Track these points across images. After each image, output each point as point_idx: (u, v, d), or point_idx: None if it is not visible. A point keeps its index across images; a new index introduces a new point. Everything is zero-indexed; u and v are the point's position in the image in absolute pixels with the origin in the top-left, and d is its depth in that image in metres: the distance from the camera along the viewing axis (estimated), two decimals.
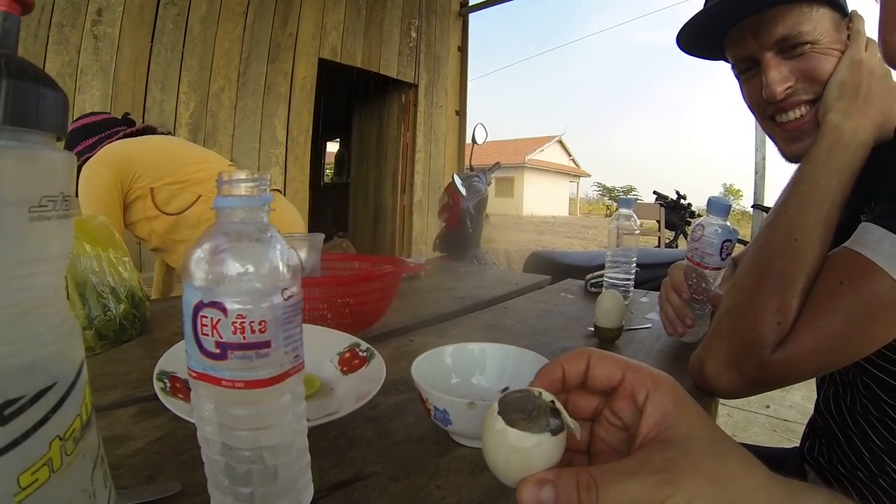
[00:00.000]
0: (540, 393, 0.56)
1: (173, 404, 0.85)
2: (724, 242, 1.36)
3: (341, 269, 1.77)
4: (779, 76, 1.18)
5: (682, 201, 8.74)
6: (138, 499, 0.66)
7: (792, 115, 1.21)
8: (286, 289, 0.56)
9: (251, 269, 0.54)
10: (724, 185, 65.53)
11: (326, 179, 14.51)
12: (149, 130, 3.12)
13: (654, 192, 9.42)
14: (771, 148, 1.33)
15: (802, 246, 1.07)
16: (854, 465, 1.24)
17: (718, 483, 0.50)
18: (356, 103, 10.48)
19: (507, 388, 0.85)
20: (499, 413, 0.54)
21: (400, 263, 1.61)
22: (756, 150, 7.21)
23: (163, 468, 0.80)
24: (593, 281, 2.14)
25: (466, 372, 1.02)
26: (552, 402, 0.56)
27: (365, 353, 1.09)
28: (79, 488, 0.47)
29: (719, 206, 1.39)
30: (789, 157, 1.27)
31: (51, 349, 0.44)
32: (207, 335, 0.54)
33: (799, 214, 1.09)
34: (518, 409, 0.56)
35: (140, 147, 2.85)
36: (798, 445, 1.53)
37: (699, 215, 8.26)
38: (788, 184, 1.15)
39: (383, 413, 0.99)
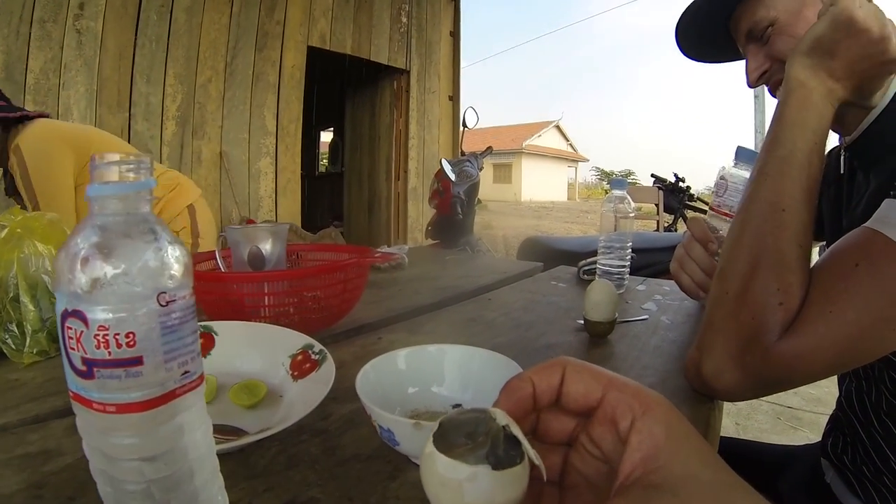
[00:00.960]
0: (489, 411, 0.46)
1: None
2: None
3: (309, 261, 1.69)
4: (753, 64, 1.24)
5: (680, 184, 8.67)
6: None
7: (778, 94, 1.14)
8: (164, 292, 0.46)
9: (118, 270, 0.44)
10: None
11: (321, 169, 14.53)
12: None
13: (652, 175, 9.36)
14: (770, 106, 1.31)
15: (791, 216, 0.98)
16: (879, 469, 1.16)
17: None
18: (348, 91, 10.46)
19: (458, 405, 0.74)
20: (435, 434, 0.45)
21: (368, 253, 1.52)
22: (756, 131, 7.17)
23: (86, 487, 0.72)
24: (586, 268, 2.04)
25: (425, 379, 0.90)
26: (506, 426, 0.45)
27: (317, 356, 0.99)
28: None
29: (748, 154, 1.33)
30: None
31: None
32: (74, 349, 0.45)
33: (783, 182, 0.99)
34: (463, 432, 0.45)
35: (91, 131, 2.82)
36: (810, 443, 1.48)
37: (698, 198, 8.22)
38: (763, 149, 1.05)
39: (334, 425, 0.89)
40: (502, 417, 0.45)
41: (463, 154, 6.37)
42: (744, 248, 1.01)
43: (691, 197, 8.50)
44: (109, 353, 0.44)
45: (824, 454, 1.35)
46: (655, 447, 0.44)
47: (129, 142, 5.62)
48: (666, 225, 8.58)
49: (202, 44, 6.30)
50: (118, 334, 0.43)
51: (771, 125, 1.06)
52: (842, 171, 1.27)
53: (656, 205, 8.60)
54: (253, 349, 1.06)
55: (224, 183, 6.55)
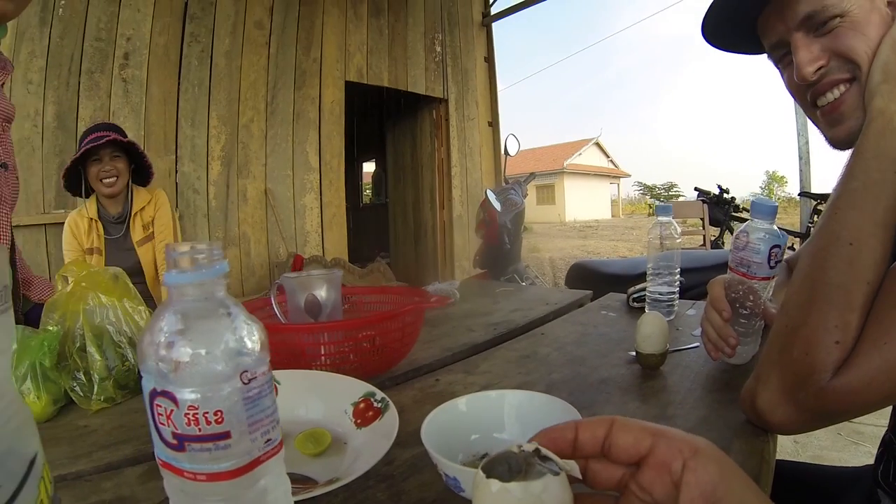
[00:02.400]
0: (520, 446, 0.51)
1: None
2: (771, 249, 1.23)
3: (365, 304, 1.73)
4: (808, 56, 1.09)
5: (724, 195, 8.60)
6: None
7: (830, 96, 1.11)
8: (246, 371, 0.49)
9: (203, 353, 0.48)
10: (767, 172, 64.61)
11: (365, 200, 14.60)
12: None
13: (696, 189, 9.29)
14: (814, 132, 1.24)
15: (859, 251, 0.94)
16: None
17: None
18: (388, 122, 10.51)
19: (485, 455, 0.76)
20: (487, 475, 0.48)
21: (424, 297, 1.54)
22: (799, 134, 7.07)
23: None
24: (636, 295, 2.05)
25: (486, 425, 0.92)
26: (536, 449, 0.50)
27: (379, 405, 1.03)
28: None
29: (764, 209, 1.26)
30: (833, 143, 1.16)
31: None
32: (164, 424, 0.48)
33: (853, 215, 0.96)
34: (504, 469, 0.50)
35: None
36: (868, 465, 1.42)
37: (744, 208, 8.13)
38: (838, 181, 1.01)
39: (398, 470, 0.92)
40: (528, 445, 0.50)
41: (507, 181, 6.38)
42: (807, 282, 0.99)
43: (737, 208, 8.43)
44: (199, 429, 0.47)
45: (875, 482, 1.30)
46: (712, 484, 0.47)
47: (176, 183, 5.81)
48: (712, 239, 8.51)
49: (243, 85, 6.39)
50: (207, 412, 0.47)
51: (849, 159, 1.01)
52: None
53: (701, 219, 8.54)
54: (315, 397, 1.09)
55: (270, 220, 6.61)
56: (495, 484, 0.47)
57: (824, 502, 1.45)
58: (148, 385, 0.49)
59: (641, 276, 1.99)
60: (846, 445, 3.77)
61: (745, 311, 1.30)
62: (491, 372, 1.44)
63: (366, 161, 14.26)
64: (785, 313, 1.02)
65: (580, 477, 0.50)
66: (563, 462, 0.49)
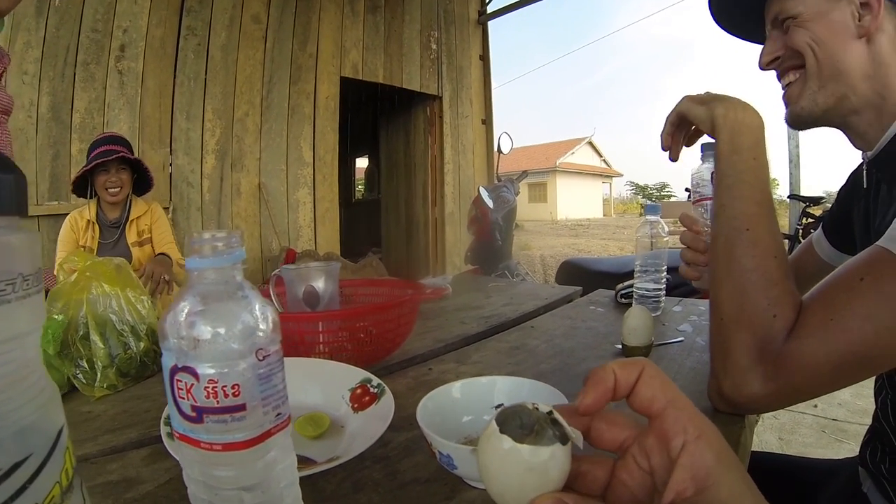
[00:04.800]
0: (535, 405, 0.53)
1: (177, 451, 0.84)
2: (713, 173, 1.31)
3: (361, 296, 1.76)
4: (769, 48, 1.28)
5: None
6: None
7: (784, 80, 1.27)
8: (261, 349, 0.54)
9: (222, 332, 0.52)
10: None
11: (358, 196, 14.56)
12: None
13: (687, 190, 9.30)
14: (804, 136, 1.36)
15: (756, 233, 1.07)
16: None
17: None
18: (382, 118, 10.50)
19: (500, 405, 0.80)
20: (501, 432, 0.51)
21: (419, 289, 1.58)
22: (789, 138, 7.07)
23: None
24: (623, 292, 2.10)
25: (478, 408, 0.97)
26: (550, 412, 0.53)
27: (376, 390, 1.07)
28: None
29: (711, 146, 1.38)
30: (788, 122, 1.32)
31: (25, 422, 0.44)
32: (184, 398, 0.53)
33: (739, 205, 1.10)
34: (517, 424, 0.52)
35: None
36: (848, 457, 1.51)
37: None
38: (716, 186, 1.16)
39: (393, 452, 0.97)
40: (543, 406, 0.53)
41: (499, 179, 6.40)
42: (724, 275, 1.09)
43: None
44: (217, 402, 0.52)
45: (862, 463, 1.37)
46: (706, 471, 0.49)
47: (170, 175, 5.84)
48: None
49: (238, 79, 6.40)
50: (225, 386, 0.51)
51: (716, 165, 1.18)
52: (864, 186, 1.31)
53: None
54: (314, 383, 1.13)
55: (263, 214, 6.63)
56: (507, 441, 0.50)
57: (805, 491, 1.50)
58: (168, 362, 0.53)
59: (630, 275, 2.03)
60: (830, 443, 3.83)
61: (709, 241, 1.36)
62: (482, 362, 1.48)
63: (359, 157, 14.22)
64: (716, 308, 1.11)
65: (581, 448, 0.52)
66: (570, 430, 0.51)
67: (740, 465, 0.51)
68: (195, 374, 0.51)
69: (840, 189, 1.51)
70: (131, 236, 3.75)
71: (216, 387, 0.51)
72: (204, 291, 0.54)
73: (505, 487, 0.50)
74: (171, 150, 5.83)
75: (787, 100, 1.27)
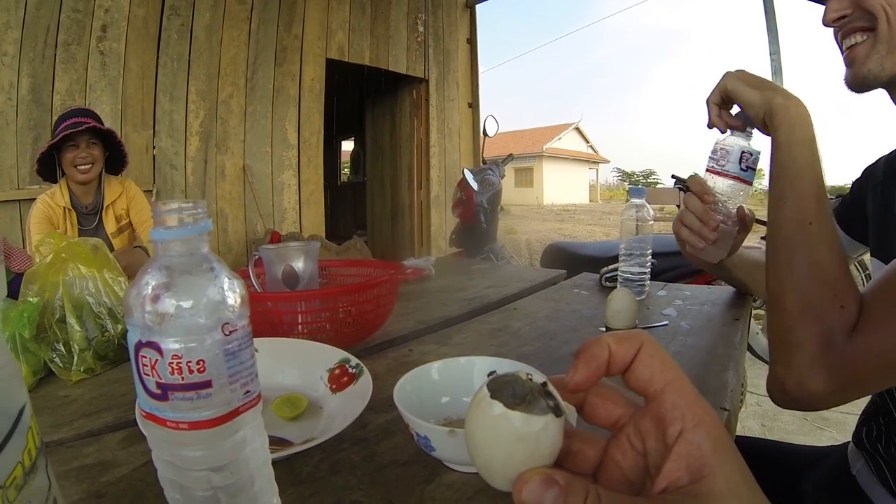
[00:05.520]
0: (529, 375, 0.50)
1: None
2: (743, 152, 1.33)
3: (341, 276, 1.75)
4: (836, 5, 1.20)
5: None
6: None
7: (850, 41, 1.20)
8: (228, 323, 0.52)
9: (186, 305, 0.50)
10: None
11: (343, 179, 14.58)
12: None
13: (673, 177, 9.31)
14: None
15: (820, 227, 1.06)
16: None
17: None
18: (368, 101, 10.51)
19: (493, 372, 0.77)
20: (492, 397, 0.48)
21: (399, 269, 1.57)
22: None
23: (143, 496, 0.79)
24: (608, 275, 2.09)
25: (456, 389, 0.96)
26: (544, 383, 0.49)
27: (354, 370, 1.06)
28: None
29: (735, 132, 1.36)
30: (848, 84, 1.25)
31: None
32: (148, 375, 0.51)
33: (801, 198, 1.08)
34: (509, 393, 0.49)
35: None
36: (836, 443, 1.50)
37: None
38: (773, 178, 1.15)
39: (372, 433, 0.95)
40: (538, 376, 0.50)
41: (485, 162, 6.40)
42: (786, 267, 1.08)
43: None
44: (182, 378, 0.50)
45: (857, 443, 1.37)
46: (702, 460, 0.46)
47: (153, 159, 5.81)
48: None
49: (223, 60, 6.38)
50: (190, 362, 0.49)
51: (771, 156, 1.16)
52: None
53: (677, 206, 8.59)
54: (292, 364, 1.12)
55: (248, 196, 6.61)
56: (498, 407, 0.47)
57: (792, 476, 1.50)
58: (133, 337, 0.51)
59: (615, 259, 2.02)
60: (812, 430, 3.87)
61: (719, 210, 1.36)
62: (463, 344, 1.47)
63: (344, 139, 14.24)
64: (778, 300, 1.09)
65: (574, 425, 0.51)
66: (564, 404, 0.48)
67: (738, 454, 0.49)
68: (159, 350, 0.49)
69: (854, 181, 1.49)
70: (109, 225, 3.50)
71: (180, 362, 0.49)
72: (169, 263, 0.52)
73: (491, 458, 0.47)
74: (154, 132, 5.80)
75: (851, 61, 1.22)
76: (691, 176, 1.41)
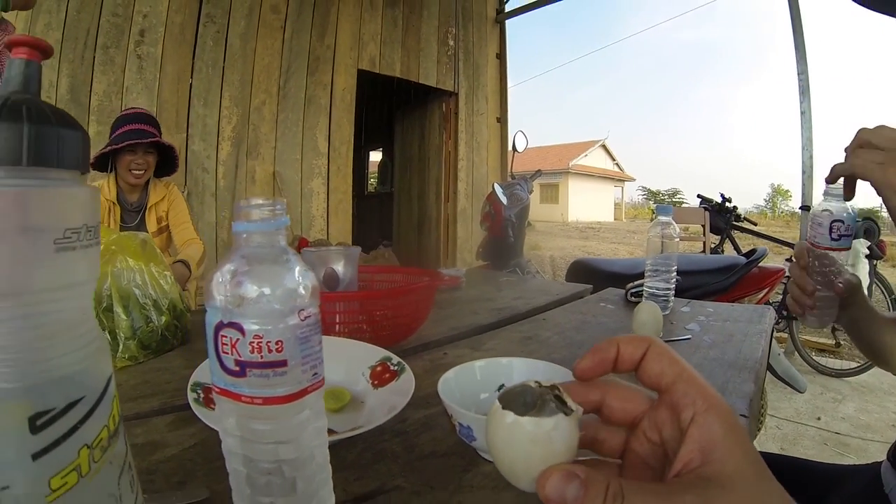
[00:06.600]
0: (537, 383, 0.55)
1: (205, 414, 0.89)
2: (832, 222, 1.34)
3: (379, 282, 1.79)
4: None
5: (727, 204, 8.62)
6: (167, 503, 0.68)
7: None
8: (303, 309, 0.57)
9: (268, 291, 0.55)
10: (773, 185, 64.48)
11: (370, 188, 14.61)
12: None
13: (699, 196, 9.30)
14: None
15: None
16: None
17: None
18: (397, 112, 10.54)
19: (502, 385, 0.82)
20: (504, 408, 0.52)
21: (435, 276, 1.62)
22: (804, 148, 7.03)
23: (193, 474, 0.84)
24: (633, 290, 2.13)
25: (495, 387, 1.01)
26: (552, 386, 0.54)
27: (396, 367, 1.11)
28: (106, 492, 0.50)
29: (831, 191, 1.37)
30: None
31: (79, 366, 0.48)
32: (227, 353, 0.55)
33: None
34: (520, 402, 0.54)
35: None
36: (864, 463, 1.50)
37: (745, 218, 8.15)
38: None
39: (411, 427, 1.00)
40: (547, 382, 0.54)
41: (513, 177, 6.44)
42: None
43: (738, 217, 8.47)
44: (261, 356, 0.55)
45: (893, 461, 1.35)
46: (713, 443, 0.49)
47: (185, 161, 5.88)
48: (712, 246, 8.54)
49: (256, 68, 6.46)
50: (269, 342, 0.54)
51: None
52: None
53: (702, 226, 8.58)
54: (335, 360, 1.16)
55: None
56: (509, 416, 0.51)
57: (817, 493, 1.49)
58: (214, 319, 0.56)
59: (640, 276, 2.07)
60: (832, 456, 3.81)
61: (819, 279, 1.37)
62: (495, 350, 1.52)
63: (372, 150, 14.28)
64: None
65: (581, 429, 0.53)
66: (573, 404, 0.52)
67: (749, 441, 0.51)
68: (241, 330, 0.54)
69: None
70: (151, 224, 3.59)
71: (261, 342, 0.54)
72: (250, 254, 0.57)
73: (512, 462, 0.52)
74: (187, 135, 5.88)
75: None
76: (797, 243, 1.45)
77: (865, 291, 1.44)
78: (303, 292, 0.58)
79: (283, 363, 0.56)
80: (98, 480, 0.49)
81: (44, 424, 0.44)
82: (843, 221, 1.33)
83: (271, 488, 0.59)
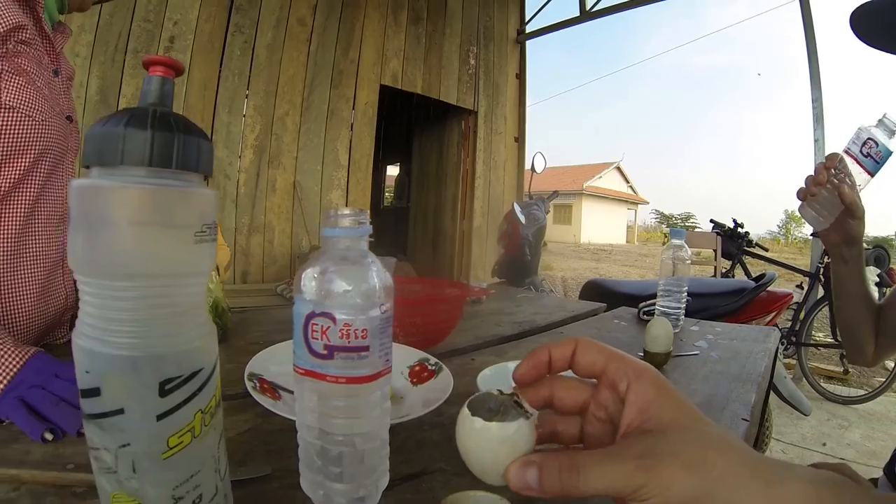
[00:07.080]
0: (500, 390, 0.66)
1: (263, 401, 0.99)
2: (868, 138, 1.44)
3: (406, 292, 1.86)
4: None
5: (739, 230, 8.65)
6: (234, 477, 0.76)
7: None
8: (382, 304, 0.68)
9: (355, 287, 0.65)
10: (786, 211, 64.04)
11: (386, 203, 14.66)
12: None
13: (711, 221, 9.33)
14: None
15: None
16: None
17: (696, 470, 0.51)
18: (416, 128, 10.63)
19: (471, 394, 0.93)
20: (472, 414, 0.64)
21: (464, 287, 1.70)
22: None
23: (252, 455, 0.92)
24: (646, 309, 2.20)
25: None
26: (511, 394, 0.66)
27: (434, 367, 1.21)
28: (210, 453, 0.61)
29: (887, 122, 1.46)
30: None
31: (199, 342, 0.58)
32: (317, 339, 0.65)
33: None
34: (485, 408, 0.66)
35: None
36: (868, 479, 1.54)
37: (756, 244, 8.19)
38: None
39: (448, 420, 1.08)
40: (507, 389, 0.66)
41: (530, 197, 6.51)
42: None
43: (750, 243, 8.51)
44: (349, 342, 0.65)
45: (889, 475, 1.44)
46: (647, 402, 0.59)
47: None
48: (723, 271, 8.58)
49: (281, 79, 6.61)
50: (356, 329, 0.65)
51: None
52: None
53: (714, 250, 8.62)
54: None
55: (296, 212, 6.80)
56: (478, 421, 0.62)
57: None
58: (304, 310, 0.66)
59: (652, 297, 2.15)
60: None
61: (834, 180, 1.45)
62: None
63: (390, 164, 14.36)
64: None
65: (534, 420, 0.64)
66: (531, 409, 0.64)
67: (680, 396, 0.61)
68: (332, 319, 0.64)
69: None
70: None
71: (350, 329, 0.64)
72: (337, 256, 0.67)
73: (483, 461, 0.63)
74: (210, 141, 5.96)
75: None
76: (832, 153, 1.50)
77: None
78: (382, 289, 0.68)
79: (366, 348, 0.66)
80: (206, 442, 0.59)
81: (171, 389, 0.55)
82: (876, 144, 1.43)
83: (342, 459, 0.68)
